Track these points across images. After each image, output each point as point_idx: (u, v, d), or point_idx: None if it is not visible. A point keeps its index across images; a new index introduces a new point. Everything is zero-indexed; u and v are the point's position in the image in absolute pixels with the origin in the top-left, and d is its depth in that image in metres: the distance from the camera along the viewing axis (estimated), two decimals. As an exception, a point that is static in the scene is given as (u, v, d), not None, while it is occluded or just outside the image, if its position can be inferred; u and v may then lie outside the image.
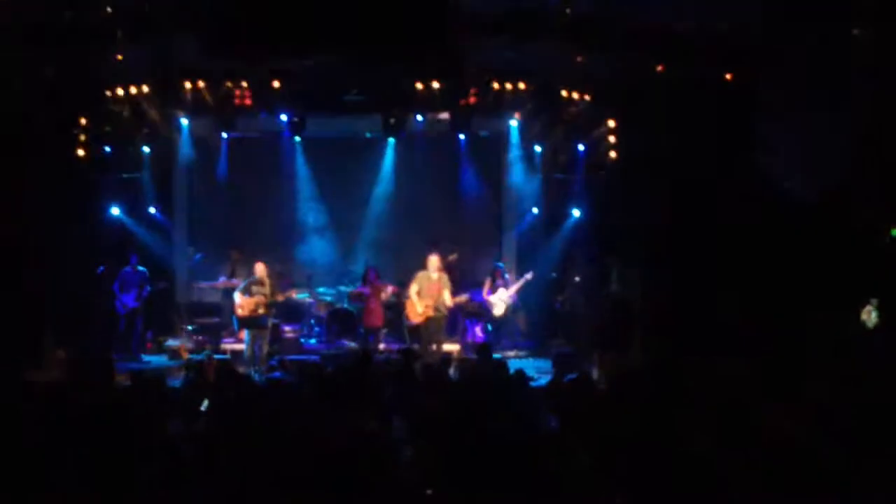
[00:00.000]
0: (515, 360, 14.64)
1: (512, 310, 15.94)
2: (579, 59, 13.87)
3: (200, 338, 15.72)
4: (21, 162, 13.43)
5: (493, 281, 15.84)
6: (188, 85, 14.67)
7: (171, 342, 15.89)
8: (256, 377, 12.64)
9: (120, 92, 14.56)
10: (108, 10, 12.18)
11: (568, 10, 12.43)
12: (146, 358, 15.24)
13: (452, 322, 15.64)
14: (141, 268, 15.58)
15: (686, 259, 13.83)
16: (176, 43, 13.35)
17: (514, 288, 15.77)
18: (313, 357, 14.73)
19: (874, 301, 12.32)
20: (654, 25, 12.80)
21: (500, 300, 15.70)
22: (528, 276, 15.81)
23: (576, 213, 16.46)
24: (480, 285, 16.02)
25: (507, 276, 16.03)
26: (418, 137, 16.98)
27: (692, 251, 13.79)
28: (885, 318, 12.24)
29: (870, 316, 12.28)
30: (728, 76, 13.44)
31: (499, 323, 15.97)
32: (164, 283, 15.94)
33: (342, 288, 16.65)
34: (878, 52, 12.12)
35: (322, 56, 12.97)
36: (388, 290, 15.80)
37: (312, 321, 16.41)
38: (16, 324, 13.03)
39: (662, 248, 14.24)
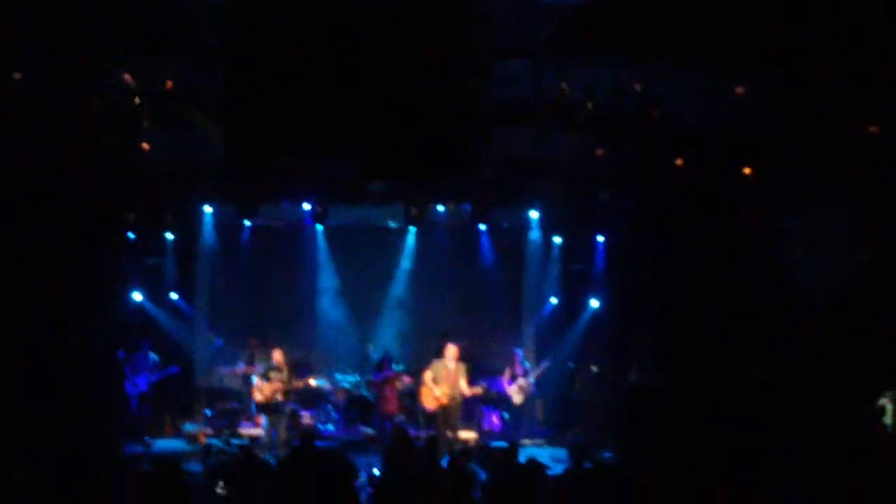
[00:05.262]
0: (532, 448, 14.65)
1: (530, 398, 15.92)
2: (599, 151, 14.02)
3: (219, 423, 15.74)
4: (42, 245, 13.58)
5: (513, 369, 15.84)
6: (212, 174, 14.91)
7: (190, 427, 15.90)
8: (273, 462, 12.65)
9: (144, 180, 14.78)
10: (137, 100, 12.40)
11: (590, 104, 12.59)
12: (162, 442, 15.24)
13: (469, 409, 15.62)
14: (153, 355, 15.70)
15: (705, 351, 13.84)
16: (201, 132, 13.59)
17: (532, 376, 15.77)
18: (330, 443, 14.77)
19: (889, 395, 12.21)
20: (674, 119, 12.93)
21: (519, 389, 15.69)
22: (546, 364, 15.86)
23: (594, 303, 16.56)
24: (499, 373, 16.04)
25: (526, 363, 16.03)
26: (439, 227, 17.17)
27: (712, 343, 13.81)
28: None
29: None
30: (747, 170, 13.53)
31: (516, 411, 15.94)
32: (175, 369, 15.99)
33: (360, 376, 16.71)
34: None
35: (344, 148, 13.15)
36: (404, 381, 15.88)
37: (330, 407, 16.39)
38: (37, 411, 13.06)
39: (682, 340, 14.26)
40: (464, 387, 14.17)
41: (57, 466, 8.97)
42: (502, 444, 15.02)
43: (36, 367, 13.35)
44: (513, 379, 15.75)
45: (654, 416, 14.30)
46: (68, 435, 12.92)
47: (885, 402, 12.08)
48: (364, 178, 14.80)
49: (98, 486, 7.72)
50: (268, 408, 14.42)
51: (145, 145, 13.61)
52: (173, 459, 11.22)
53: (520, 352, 16.23)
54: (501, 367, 16.17)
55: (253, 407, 15.07)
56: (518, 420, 16.02)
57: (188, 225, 16.75)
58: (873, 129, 12.20)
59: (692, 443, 12.48)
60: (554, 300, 17.37)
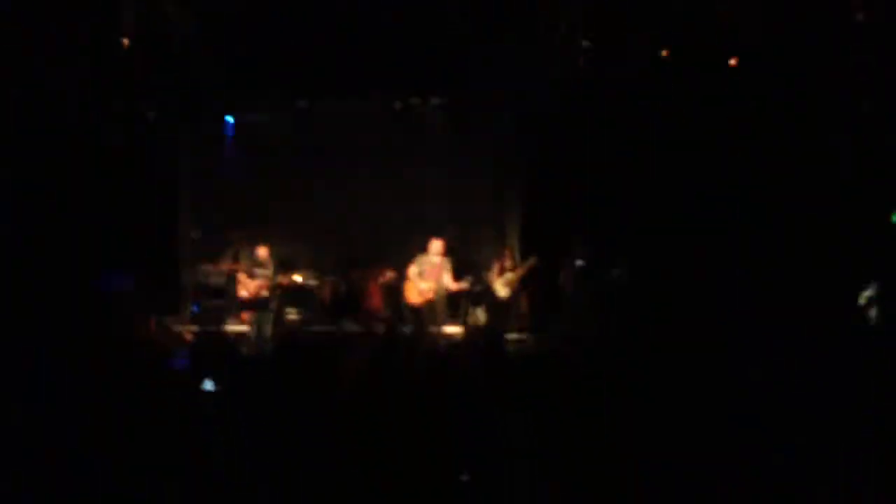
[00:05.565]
0: (517, 342, 14.72)
1: (515, 292, 15.95)
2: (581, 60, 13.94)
3: (204, 320, 15.78)
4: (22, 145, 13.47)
5: (502, 262, 15.87)
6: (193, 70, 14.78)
7: (174, 324, 15.93)
8: (259, 359, 12.69)
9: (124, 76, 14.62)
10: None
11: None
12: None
13: (455, 304, 15.67)
14: None
15: (688, 246, 13.85)
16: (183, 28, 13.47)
17: (519, 271, 15.78)
18: (315, 339, 14.83)
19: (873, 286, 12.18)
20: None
21: (506, 282, 15.71)
22: (533, 260, 15.84)
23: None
24: (485, 267, 16.07)
25: (515, 258, 16.06)
26: (424, 121, 17.04)
27: (694, 238, 13.82)
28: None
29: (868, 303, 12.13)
30: (732, 62, 13.43)
31: (501, 305, 15.98)
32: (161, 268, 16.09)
33: (344, 271, 16.72)
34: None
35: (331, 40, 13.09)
36: (388, 275, 15.88)
37: (315, 304, 16.44)
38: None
39: (665, 235, 14.26)
40: (448, 281, 14.19)
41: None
42: (488, 337, 15.10)
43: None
44: (501, 273, 15.78)
45: (636, 311, 14.37)
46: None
47: (870, 293, 12.07)
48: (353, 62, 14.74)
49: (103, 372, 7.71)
50: (253, 304, 14.45)
51: (125, 40, 13.45)
52: (157, 354, 11.23)
53: (510, 247, 16.25)
54: (487, 261, 16.19)
55: (238, 304, 15.09)
56: (504, 314, 16.08)
57: (170, 120, 16.63)
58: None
59: (674, 337, 12.55)
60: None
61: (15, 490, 5.45)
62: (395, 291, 15.78)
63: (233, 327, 15.48)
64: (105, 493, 5.44)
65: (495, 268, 15.86)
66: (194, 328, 15.47)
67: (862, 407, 6.64)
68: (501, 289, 15.72)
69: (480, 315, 16.31)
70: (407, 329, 14.24)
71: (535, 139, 16.97)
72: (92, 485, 5.49)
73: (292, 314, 15.95)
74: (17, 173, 13.46)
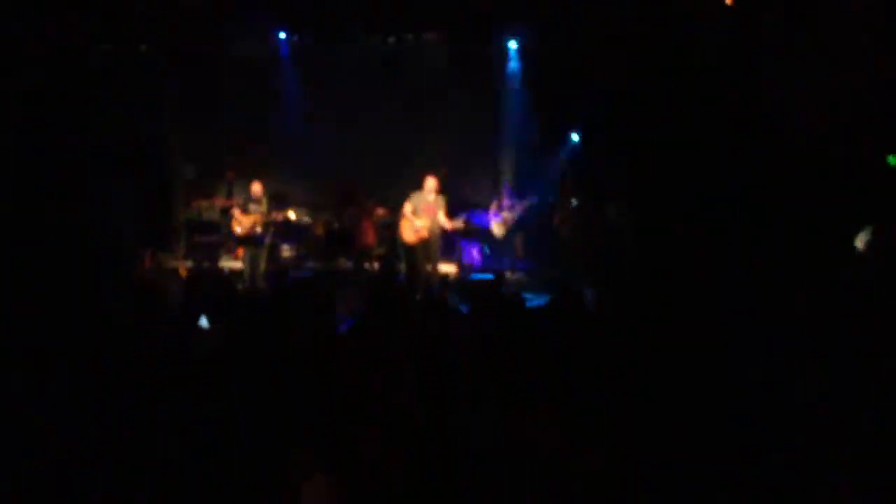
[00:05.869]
0: (512, 283, 14.76)
1: (510, 232, 15.96)
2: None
3: (199, 256, 15.79)
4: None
5: (500, 201, 15.85)
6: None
7: (170, 260, 15.94)
8: (254, 295, 12.69)
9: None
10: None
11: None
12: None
13: (449, 243, 15.66)
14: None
15: (683, 190, 13.83)
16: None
17: (517, 210, 15.77)
18: (308, 273, 14.88)
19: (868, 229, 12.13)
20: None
21: (503, 221, 15.71)
22: (530, 199, 15.83)
23: (574, 137, 16.46)
24: (480, 206, 16.05)
25: (514, 198, 16.05)
26: (417, 56, 16.94)
27: (690, 182, 13.79)
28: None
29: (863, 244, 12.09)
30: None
31: (496, 244, 16.00)
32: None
33: (337, 209, 16.71)
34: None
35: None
36: (379, 212, 15.84)
37: (309, 240, 16.43)
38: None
39: (659, 179, 14.24)
40: (443, 220, 14.14)
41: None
42: (482, 276, 15.16)
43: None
44: (499, 211, 15.78)
45: (630, 252, 14.39)
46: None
47: (864, 236, 12.03)
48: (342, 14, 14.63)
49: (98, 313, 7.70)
50: (247, 240, 14.42)
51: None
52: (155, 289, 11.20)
53: (508, 185, 16.24)
54: (482, 200, 16.18)
55: (233, 239, 15.08)
56: (499, 254, 16.11)
57: (161, 55, 16.51)
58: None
59: (667, 279, 12.55)
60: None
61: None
62: (388, 229, 15.77)
63: (227, 263, 15.49)
64: (97, 431, 5.45)
65: (493, 206, 15.87)
66: (189, 264, 15.49)
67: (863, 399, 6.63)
68: (497, 228, 15.71)
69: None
70: (401, 267, 14.23)
71: (532, 76, 16.96)
72: (84, 421, 5.50)
73: (286, 250, 15.95)
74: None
